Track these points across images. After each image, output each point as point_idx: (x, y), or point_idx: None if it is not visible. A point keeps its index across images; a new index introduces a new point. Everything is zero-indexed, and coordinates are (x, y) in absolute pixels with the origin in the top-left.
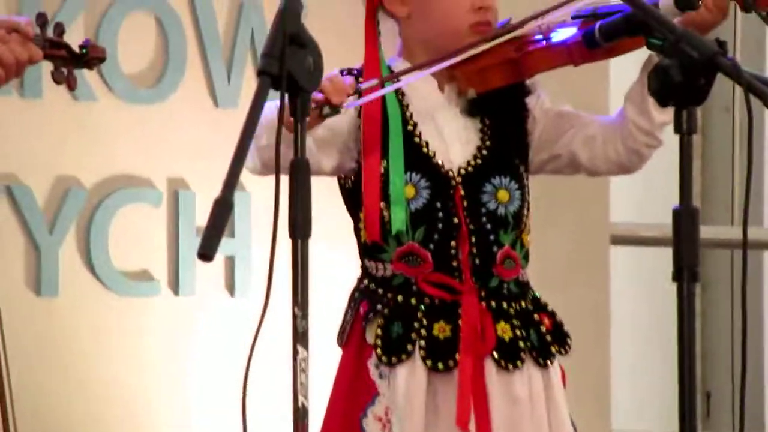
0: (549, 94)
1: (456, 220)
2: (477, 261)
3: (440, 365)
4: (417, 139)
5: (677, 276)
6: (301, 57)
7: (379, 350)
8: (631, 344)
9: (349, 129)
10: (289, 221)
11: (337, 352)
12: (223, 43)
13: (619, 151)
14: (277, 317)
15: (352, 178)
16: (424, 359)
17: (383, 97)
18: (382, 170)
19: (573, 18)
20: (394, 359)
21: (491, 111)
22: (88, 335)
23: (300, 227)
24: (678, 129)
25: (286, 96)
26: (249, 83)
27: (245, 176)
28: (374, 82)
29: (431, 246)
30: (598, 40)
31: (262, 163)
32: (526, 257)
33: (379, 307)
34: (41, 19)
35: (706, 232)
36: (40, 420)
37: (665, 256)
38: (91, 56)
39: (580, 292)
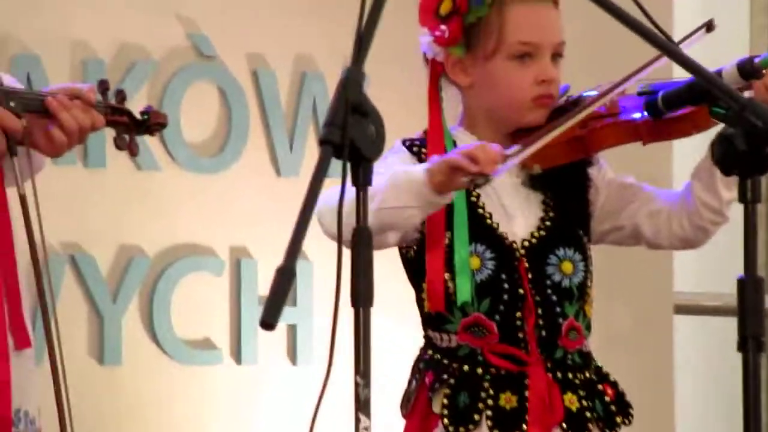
0: (612, 166)
1: (521, 291)
2: (543, 333)
3: None
4: (480, 210)
5: (742, 346)
6: (363, 126)
7: (446, 420)
8: (694, 416)
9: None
10: (351, 290)
11: (400, 422)
12: (285, 113)
13: (685, 227)
14: (339, 386)
15: (415, 248)
16: (491, 429)
17: None
18: (447, 241)
19: (639, 94)
20: (461, 429)
21: (553, 183)
22: (151, 404)
23: (362, 296)
24: (742, 198)
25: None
26: (311, 152)
27: (307, 245)
28: (517, 148)
29: (497, 317)
30: (661, 109)
31: (379, 224)
32: (588, 327)
33: (444, 377)
34: (103, 86)
35: None
36: None
37: (729, 325)
38: (152, 122)
39: (644, 362)
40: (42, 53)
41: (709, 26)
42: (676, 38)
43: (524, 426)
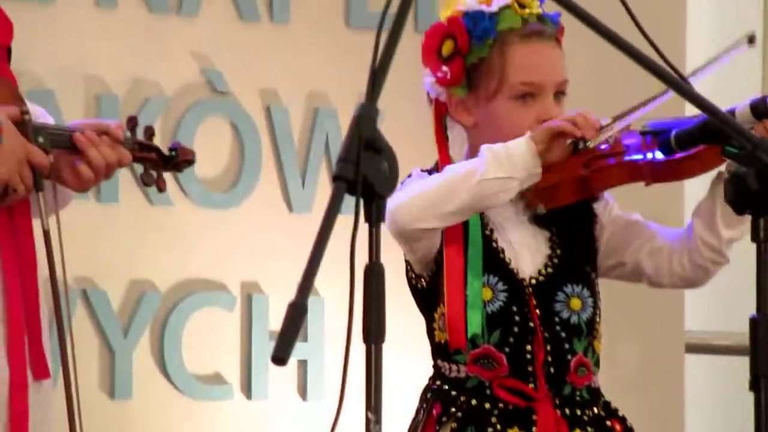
0: (621, 204)
1: (531, 325)
2: (552, 369)
3: None
4: (494, 244)
5: (754, 385)
6: (376, 162)
7: None
8: None
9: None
10: (363, 326)
11: None
12: (297, 148)
13: (685, 266)
14: (350, 422)
15: (427, 278)
16: None
17: None
18: (463, 266)
19: (642, 133)
20: None
21: (560, 219)
22: None
23: (374, 332)
24: (755, 237)
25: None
26: (323, 188)
27: (319, 281)
28: (608, 121)
29: (507, 349)
30: (674, 148)
31: (477, 198)
32: (597, 363)
33: (452, 410)
34: (132, 122)
35: None
36: None
37: (741, 364)
38: (180, 159)
39: (654, 400)
40: (56, 88)
41: (750, 39)
42: (687, 72)
43: None
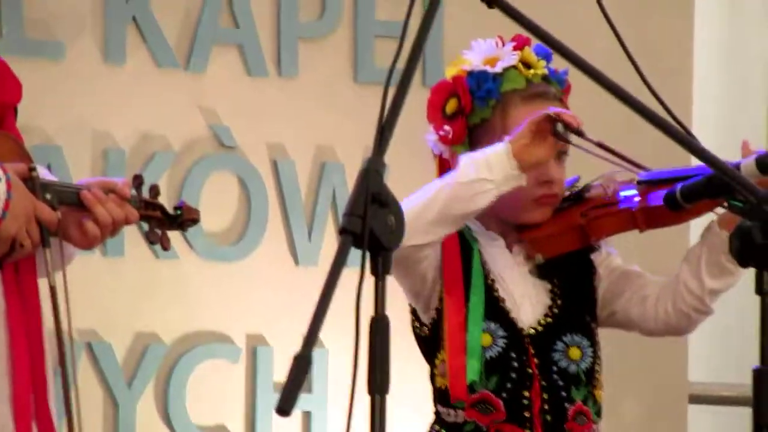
0: (625, 255)
1: (529, 371)
2: (548, 417)
3: None
4: (496, 294)
5: None
6: (382, 216)
7: None
8: None
9: (436, 271)
10: (368, 378)
11: None
12: (304, 202)
13: (669, 312)
14: None
15: (429, 326)
16: None
17: (468, 251)
18: (464, 319)
19: (638, 183)
20: None
21: (559, 271)
22: None
23: (378, 384)
24: (759, 290)
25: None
26: (329, 242)
27: (323, 333)
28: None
29: (504, 395)
30: (680, 202)
31: (449, 202)
32: (598, 413)
33: None
34: (137, 181)
35: None
36: None
37: (744, 416)
38: (185, 218)
39: None
40: (63, 143)
41: None
42: (694, 130)
43: None
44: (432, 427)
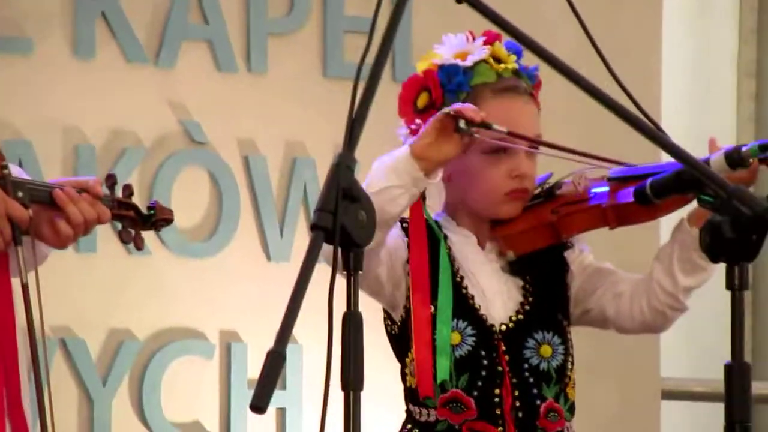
0: (597, 252)
1: (500, 369)
2: (520, 414)
3: None
4: (464, 291)
5: (729, 431)
6: (353, 211)
7: None
8: None
9: (402, 271)
10: (342, 374)
11: None
12: (275, 198)
13: (644, 310)
14: None
15: (399, 324)
16: None
17: (435, 248)
18: (430, 315)
19: (609, 180)
20: None
21: (532, 268)
22: None
23: (352, 380)
24: (730, 285)
25: (339, 250)
26: (301, 237)
27: (297, 329)
28: (503, 128)
29: (475, 393)
30: (649, 197)
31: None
32: (570, 410)
33: None
34: (111, 180)
35: (757, 387)
36: None
37: (716, 411)
38: (158, 217)
39: None
40: (33, 139)
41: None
42: (664, 125)
43: None
44: (404, 427)
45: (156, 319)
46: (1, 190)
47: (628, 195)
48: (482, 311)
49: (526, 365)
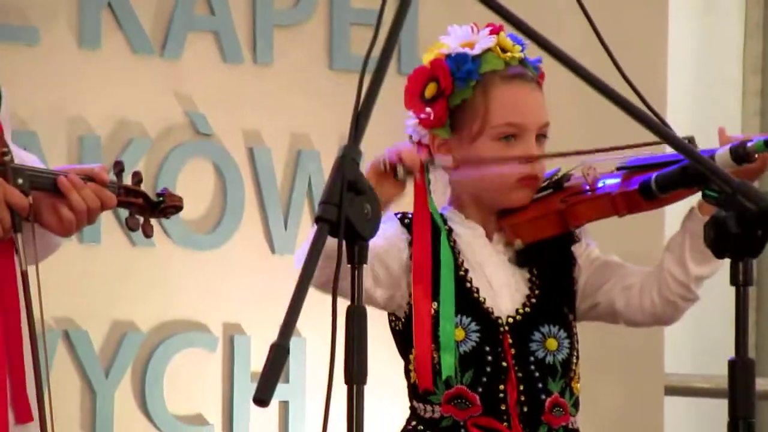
0: (601, 243)
1: (504, 365)
2: (525, 408)
3: None
4: (468, 284)
5: (732, 428)
6: (358, 204)
7: None
8: None
9: (401, 270)
10: (345, 367)
11: None
12: (280, 190)
13: (655, 302)
14: None
15: (403, 320)
16: None
17: (438, 243)
18: (433, 312)
19: (617, 169)
20: None
21: (539, 260)
22: None
23: (356, 373)
24: (734, 280)
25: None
26: (306, 230)
27: (301, 322)
28: (448, 159)
29: (480, 389)
30: (654, 191)
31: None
32: (575, 405)
33: None
34: (118, 167)
35: (761, 383)
36: None
37: (720, 407)
38: (167, 204)
39: None
40: (38, 129)
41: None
42: (669, 119)
43: None
44: (408, 423)
45: (159, 311)
46: (1, 178)
47: (637, 183)
48: (488, 304)
49: (532, 358)
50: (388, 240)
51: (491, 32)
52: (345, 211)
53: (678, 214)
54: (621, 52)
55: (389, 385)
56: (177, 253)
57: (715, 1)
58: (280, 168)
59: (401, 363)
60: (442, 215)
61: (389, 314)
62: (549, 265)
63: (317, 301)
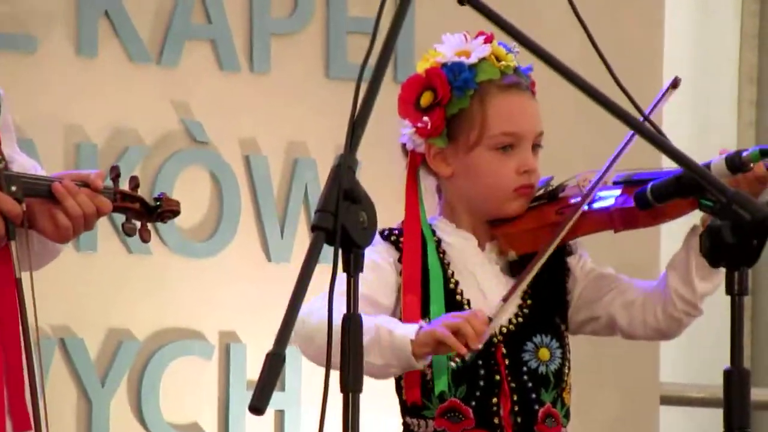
0: (596, 255)
1: (497, 378)
2: (518, 419)
3: None
4: (459, 297)
5: None
6: (354, 212)
7: None
8: None
9: (392, 298)
10: (341, 376)
11: None
12: (276, 198)
13: (659, 318)
14: None
15: None
16: None
17: (425, 259)
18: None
19: (614, 183)
20: None
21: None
22: None
23: (351, 382)
24: (729, 290)
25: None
26: (302, 238)
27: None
28: (499, 304)
29: (473, 403)
30: (650, 201)
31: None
32: (567, 415)
33: None
34: (114, 172)
35: (756, 394)
36: None
37: (715, 417)
38: (165, 209)
39: None
40: (35, 137)
41: (674, 84)
42: (665, 129)
43: None
44: None
45: (155, 319)
46: None
47: (631, 199)
48: None
49: (524, 368)
50: (375, 272)
51: (485, 41)
52: (341, 220)
53: (673, 227)
54: (617, 61)
55: (385, 395)
56: (173, 261)
57: (711, 12)
58: (276, 176)
59: None
60: (429, 226)
61: None
62: (542, 276)
63: None
